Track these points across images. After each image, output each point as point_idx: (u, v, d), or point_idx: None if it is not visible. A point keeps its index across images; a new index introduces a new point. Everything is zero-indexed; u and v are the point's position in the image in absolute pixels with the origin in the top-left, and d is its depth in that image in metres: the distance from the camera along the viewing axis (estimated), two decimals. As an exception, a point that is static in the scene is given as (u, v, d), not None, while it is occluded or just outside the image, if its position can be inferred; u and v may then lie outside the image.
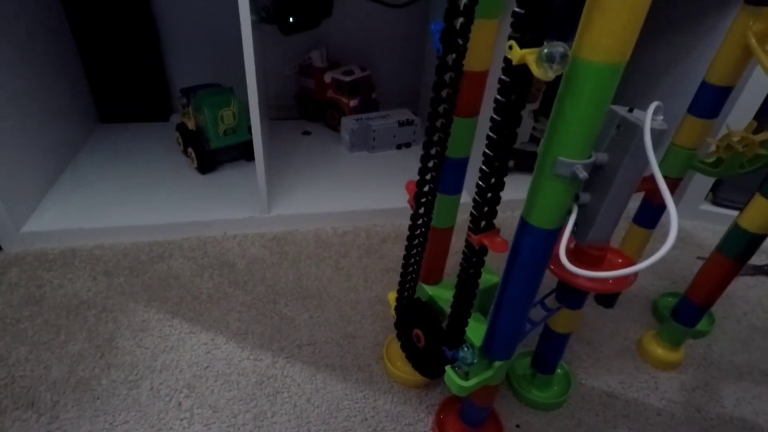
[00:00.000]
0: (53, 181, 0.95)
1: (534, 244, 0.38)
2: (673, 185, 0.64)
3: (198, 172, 1.03)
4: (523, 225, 0.38)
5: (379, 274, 0.83)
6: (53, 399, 0.58)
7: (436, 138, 0.42)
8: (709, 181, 0.99)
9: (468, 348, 0.46)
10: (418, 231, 0.49)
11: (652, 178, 0.36)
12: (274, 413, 0.59)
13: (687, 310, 0.66)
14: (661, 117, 0.32)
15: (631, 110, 0.34)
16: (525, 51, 0.29)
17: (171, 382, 0.62)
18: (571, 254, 0.49)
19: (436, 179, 0.45)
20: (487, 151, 0.34)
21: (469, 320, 0.47)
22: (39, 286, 0.74)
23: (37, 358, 0.63)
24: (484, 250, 0.41)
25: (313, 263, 0.84)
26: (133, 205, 0.91)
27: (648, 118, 0.31)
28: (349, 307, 0.76)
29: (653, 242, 0.75)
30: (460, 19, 0.36)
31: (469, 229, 0.40)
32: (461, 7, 0.35)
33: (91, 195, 0.92)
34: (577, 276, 0.45)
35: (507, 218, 0.99)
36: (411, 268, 0.53)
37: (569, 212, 0.36)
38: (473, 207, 0.39)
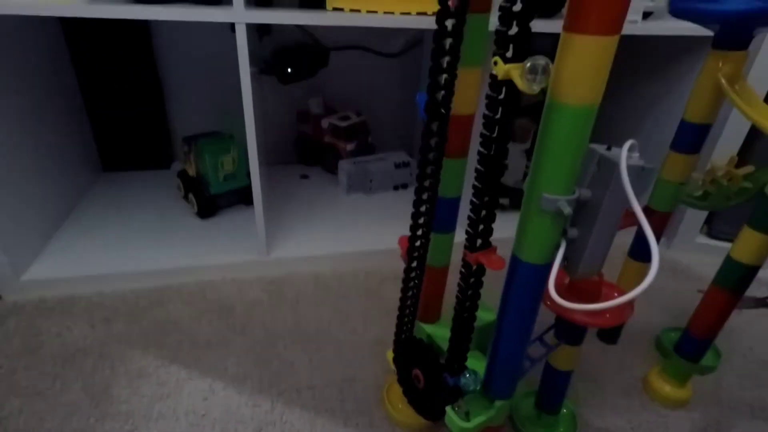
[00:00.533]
0: (55, 228, 0.96)
1: (526, 279, 0.39)
2: (664, 219, 0.65)
3: (198, 217, 1.04)
4: (515, 261, 0.39)
5: (379, 316, 0.82)
6: (45, 452, 0.57)
7: (427, 183, 0.44)
8: (703, 213, 1.00)
9: (470, 375, 0.45)
10: (414, 271, 0.50)
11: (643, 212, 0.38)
12: (272, 463, 0.57)
13: (690, 344, 0.65)
14: (636, 154, 0.33)
15: (609, 148, 0.35)
16: (509, 66, 0.30)
17: (167, 431, 0.60)
18: (566, 290, 0.50)
19: (430, 220, 0.46)
20: (479, 166, 0.35)
21: (469, 346, 0.46)
22: (36, 334, 0.74)
23: (31, 410, 0.62)
24: (481, 270, 0.40)
25: (311, 305, 0.84)
26: (133, 251, 0.92)
27: (623, 155, 0.32)
28: (349, 350, 0.75)
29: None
30: (442, 93, 0.38)
31: (465, 248, 0.40)
32: (444, 65, 0.38)
33: (92, 242, 0.93)
34: (571, 311, 0.45)
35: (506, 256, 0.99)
36: (408, 308, 0.53)
37: (558, 247, 0.37)
38: (468, 224, 0.38)
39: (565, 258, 0.38)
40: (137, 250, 0.92)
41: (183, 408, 0.63)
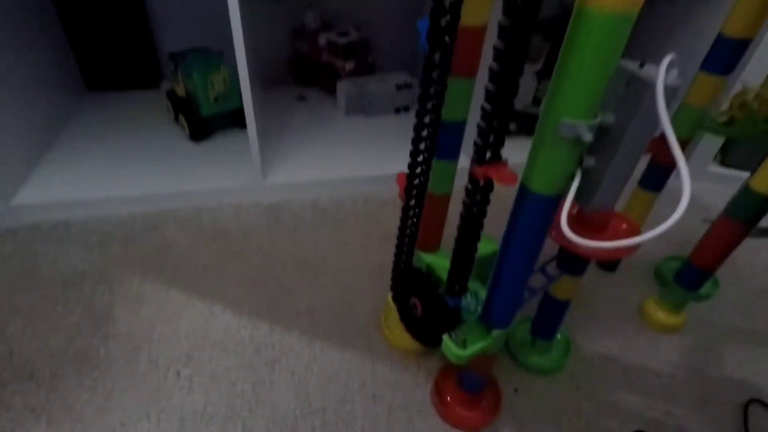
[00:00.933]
0: (43, 151, 0.93)
1: (534, 212, 0.36)
2: (682, 146, 0.61)
3: (190, 140, 1.00)
4: (523, 191, 0.36)
5: (378, 241, 0.82)
6: (52, 370, 0.59)
7: (429, 106, 0.39)
8: (719, 141, 0.96)
9: (471, 296, 0.45)
10: (414, 199, 0.47)
11: (660, 139, 0.34)
12: (273, 381, 0.59)
13: (691, 275, 0.64)
14: (675, 71, 0.29)
15: (642, 65, 0.31)
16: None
17: (169, 351, 0.62)
18: (573, 220, 0.48)
19: (432, 146, 0.43)
20: (493, 65, 0.31)
21: (471, 269, 0.44)
22: (33, 259, 0.74)
23: (35, 331, 0.63)
24: (489, 186, 0.37)
25: (309, 231, 0.83)
26: (125, 175, 0.89)
27: (661, 73, 0.28)
28: (347, 275, 0.75)
29: (659, 206, 0.73)
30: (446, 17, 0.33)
31: (473, 161, 0.36)
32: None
33: (81, 165, 0.90)
34: (578, 244, 0.43)
35: (508, 183, 0.97)
36: (407, 237, 0.51)
37: (572, 177, 0.34)
38: (477, 134, 0.34)
39: (578, 189, 0.35)
40: (129, 173, 0.89)
41: (183, 330, 0.65)
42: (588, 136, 0.30)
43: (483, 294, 0.46)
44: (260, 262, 0.76)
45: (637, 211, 0.71)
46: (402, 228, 0.50)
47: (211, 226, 0.82)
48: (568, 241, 0.45)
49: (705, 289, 0.72)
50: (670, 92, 0.29)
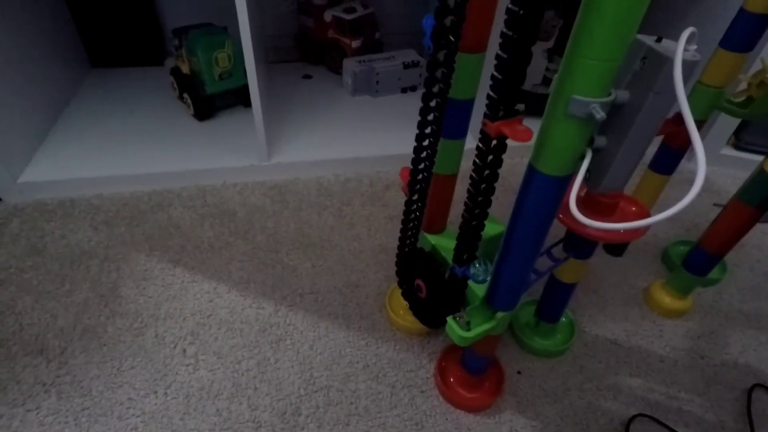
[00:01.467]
0: (48, 129, 0.92)
1: (542, 192, 0.35)
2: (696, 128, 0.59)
3: (195, 119, 0.99)
4: (531, 171, 0.35)
5: (383, 222, 0.81)
6: (61, 346, 0.60)
7: (436, 89, 0.38)
8: (733, 123, 0.93)
9: (480, 264, 0.42)
10: (420, 177, 0.47)
11: (672, 121, 0.33)
12: (277, 359, 0.60)
13: (699, 259, 0.63)
14: (694, 46, 0.28)
15: (659, 40, 0.30)
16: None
17: (175, 329, 0.62)
18: (581, 202, 0.47)
19: (438, 128, 0.42)
20: (508, 21, 0.29)
21: (481, 235, 0.42)
22: (41, 236, 0.74)
23: (43, 307, 0.64)
24: (502, 144, 0.35)
25: (314, 212, 0.83)
26: (130, 153, 0.88)
27: (680, 48, 0.27)
28: (352, 256, 0.75)
29: (669, 188, 0.72)
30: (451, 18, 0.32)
31: (485, 116, 0.34)
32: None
33: (87, 143, 0.90)
34: (587, 226, 0.43)
35: (515, 164, 0.95)
36: (413, 216, 0.51)
37: (582, 157, 0.33)
38: (490, 88, 0.33)
39: (587, 170, 0.35)
40: (134, 152, 0.89)
41: (189, 308, 0.65)
42: (600, 114, 0.29)
43: (491, 265, 0.46)
44: (265, 242, 0.76)
45: (646, 194, 0.69)
46: (407, 210, 0.49)
47: (216, 206, 0.82)
48: (577, 222, 0.44)
49: (713, 273, 0.71)
50: (689, 68, 0.28)
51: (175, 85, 1.01)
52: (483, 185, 0.38)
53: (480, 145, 0.35)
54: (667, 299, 0.68)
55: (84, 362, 0.58)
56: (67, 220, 0.77)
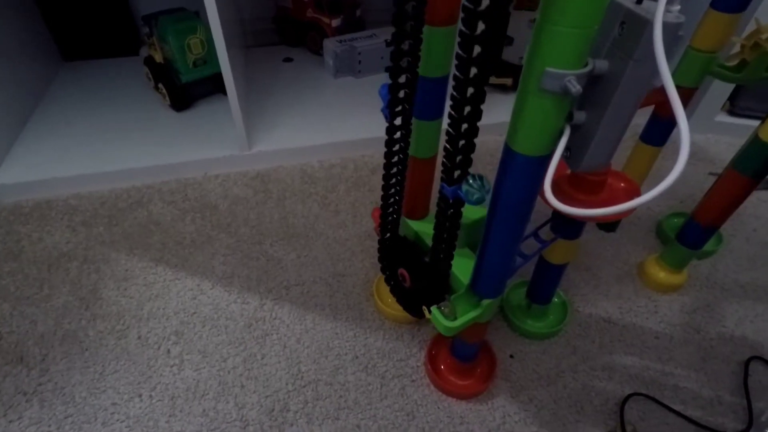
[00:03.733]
0: (20, 129, 0.89)
1: (520, 174, 0.33)
2: (687, 96, 0.57)
3: (172, 109, 0.96)
4: (508, 152, 0.33)
5: (369, 208, 0.79)
6: (42, 353, 0.58)
7: (404, 63, 0.35)
8: (727, 89, 0.90)
9: (474, 180, 0.35)
10: (395, 159, 0.44)
11: (662, 89, 0.30)
12: (264, 355, 0.58)
13: (693, 232, 0.62)
14: (677, 7, 0.25)
15: (639, 1, 0.27)
16: None
17: (158, 330, 0.61)
18: (567, 180, 0.45)
19: (410, 107, 0.39)
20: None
21: (473, 150, 0.35)
22: (17, 240, 0.72)
23: (22, 313, 0.62)
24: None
25: (298, 200, 0.80)
26: (107, 149, 0.85)
27: (660, 9, 0.24)
28: (338, 245, 0.73)
29: (662, 159, 0.70)
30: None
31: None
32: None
33: (62, 141, 0.87)
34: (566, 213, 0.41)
35: (497, 141, 0.93)
36: (391, 202, 0.49)
37: (560, 135, 0.31)
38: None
39: (567, 148, 0.32)
40: (111, 148, 0.86)
41: (172, 307, 0.63)
42: (576, 88, 0.26)
43: (470, 269, 0.44)
44: (248, 234, 0.74)
45: (638, 167, 0.67)
46: (385, 196, 0.47)
47: (197, 199, 0.80)
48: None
49: (708, 245, 0.69)
50: (671, 31, 0.25)
51: (150, 75, 0.98)
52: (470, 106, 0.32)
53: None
54: (661, 274, 0.66)
55: (66, 368, 0.57)
56: (43, 222, 0.75)
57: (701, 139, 0.95)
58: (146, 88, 1.01)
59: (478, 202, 0.35)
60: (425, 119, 0.43)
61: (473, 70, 0.29)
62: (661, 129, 0.62)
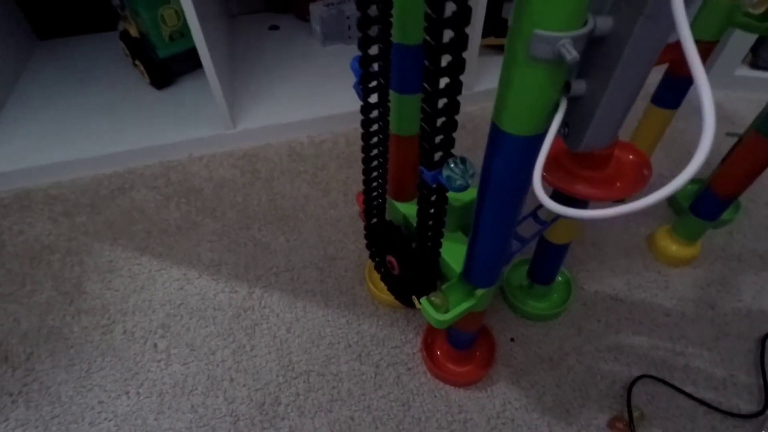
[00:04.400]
0: (-6, 114, 0.85)
1: (509, 156, 0.29)
2: (706, 51, 0.50)
3: (153, 87, 0.91)
4: (495, 132, 0.28)
5: (361, 186, 0.75)
6: (26, 351, 0.56)
7: (374, 32, 0.30)
8: (749, 39, 0.82)
9: (456, 164, 0.31)
10: (375, 140, 0.40)
11: (677, 45, 0.25)
12: (254, 346, 0.56)
13: (709, 203, 0.57)
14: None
15: (650, -60, 0.22)
16: None
17: (144, 323, 0.59)
18: (568, 154, 0.40)
19: (386, 79, 0.34)
20: None
21: (456, 121, 0.30)
22: (-3, 233, 0.69)
23: (5, 311, 0.60)
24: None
25: (287, 180, 0.76)
26: (86, 134, 0.81)
27: (676, -52, 0.19)
28: (329, 226, 0.69)
29: (677, 120, 0.64)
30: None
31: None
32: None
33: (39, 127, 0.83)
34: (571, 188, 0.36)
35: (487, 109, 0.87)
36: (375, 185, 0.45)
37: (555, 109, 0.26)
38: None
39: (564, 124, 0.28)
40: (90, 132, 0.82)
41: (158, 299, 0.61)
42: (572, 54, 0.21)
43: (462, 254, 0.40)
44: (235, 219, 0.70)
45: (650, 132, 0.61)
46: (366, 179, 0.43)
47: (181, 183, 0.76)
48: (562, 179, 0.38)
49: (725, 213, 0.64)
50: (690, -21, 0.20)
51: (127, 51, 0.92)
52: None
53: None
54: (673, 246, 0.62)
55: (51, 367, 0.55)
56: (24, 213, 0.72)
57: (719, 96, 0.88)
58: (126, 65, 0.96)
59: (461, 189, 0.31)
60: (405, 93, 0.38)
61: (448, 34, 0.24)
62: (676, 90, 0.56)
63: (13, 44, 0.96)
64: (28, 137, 0.81)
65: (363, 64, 0.33)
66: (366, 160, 0.41)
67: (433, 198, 0.34)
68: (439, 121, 0.29)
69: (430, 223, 0.37)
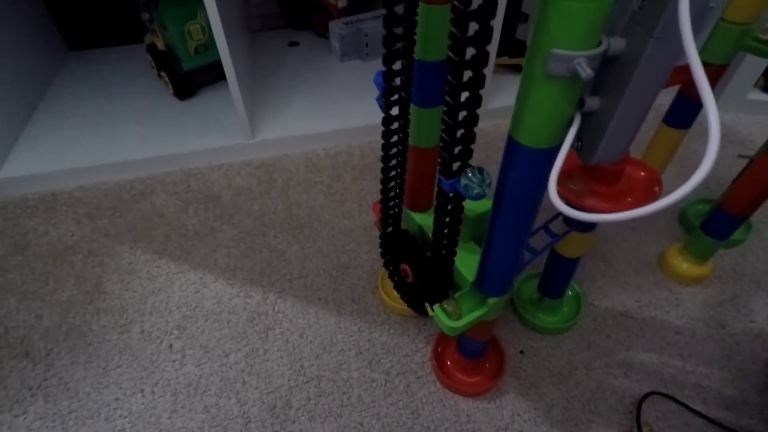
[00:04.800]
0: (26, 121, 0.89)
1: (525, 168, 0.30)
2: (717, 73, 0.52)
3: (176, 98, 0.94)
4: (511, 144, 0.30)
5: (375, 197, 0.76)
6: (47, 347, 0.58)
7: (399, 48, 0.32)
8: (761, 64, 0.84)
9: (474, 174, 0.31)
10: (394, 151, 0.42)
11: (687, 68, 0.27)
12: (266, 350, 0.57)
13: (720, 222, 0.57)
14: (706, -27, 0.22)
15: (661, -32, 0.23)
16: None
17: (161, 324, 0.60)
18: (580, 169, 0.41)
19: (407, 93, 0.36)
20: None
21: (475, 133, 0.31)
22: (23, 234, 0.72)
23: (28, 308, 0.62)
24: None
25: (303, 190, 0.78)
26: (112, 140, 0.85)
27: (686, -24, 0.20)
28: (343, 236, 0.71)
29: (688, 140, 0.65)
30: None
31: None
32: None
33: (67, 133, 0.86)
34: (582, 202, 0.38)
35: (500, 125, 0.89)
36: (392, 195, 0.46)
37: (569, 124, 0.28)
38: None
39: (578, 138, 0.29)
40: (115, 139, 0.85)
41: (175, 301, 0.63)
42: (587, 72, 0.23)
43: (475, 264, 0.41)
44: (252, 226, 0.72)
45: (661, 152, 0.63)
46: (384, 189, 0.45)
47: (200, 190, 0.78)
48: (575, 193, 0.39)
49: (736, 233, 0.64)
50: (700, 1, 0.22)
51: (153, 63, 0.96)
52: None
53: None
54: (684, 265, 0.62)
55: (70, 363, 0.57)
56: (49, 215, 0.75)
57: (731, 119, 0.89)
58: (151, 76, 1.00)
59: (479, 197, 0.32)
60: (425, 107, 0.40)
61: (470, 51, 0.26)
62: (687, 111, 0.57)
63: (46, 54, 1.00)
64: (55, 142, 0.84)
65: (386, 78, 0.35)
66: (384, 170, 0.43)
67: (450, 207, 0.36)
68: (459, 133, 0.31)
69: (446, 231, 0.39)
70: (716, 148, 0.20)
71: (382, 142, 0.40)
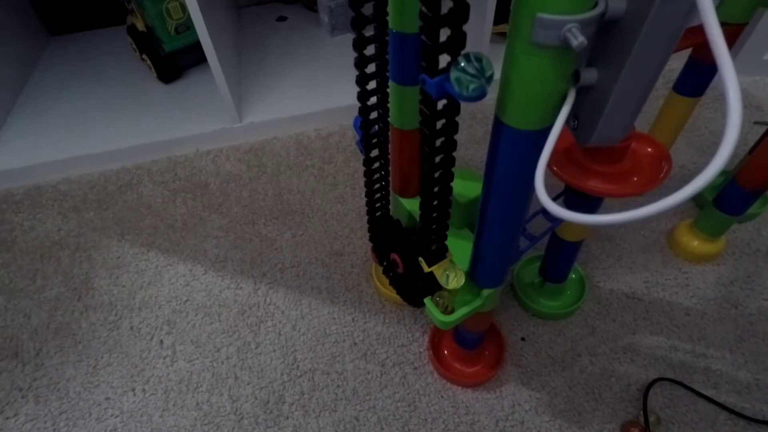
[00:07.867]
0: (7, 113, 0.86)
1: (513, 152, 0.27)
2: (734, 34, 0.47)
3: (160, 81, 0.90)
4: (497, 126, 0.26)
5: (369, 181, 0.73)
6: (36, 347, 0.57)
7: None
8: (781, 19, 0.78)
9: (469, 62, 0.22)
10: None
11: (699, 29, 0.23)
12: (258, 344, 0.56)
13: (734, 197, 0.53)
14: None
15: None
16: None
17: (151, 319, 0.59)
18: (579, 149, 0.38)
19: (383, 59, 0.33)
20: None
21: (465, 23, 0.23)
22: (9, 230, 0.70)
23: (16, 307, 0.61)
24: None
25: (294, 174, 0.75)
26: (96, 129, 0.82)
27: None
28: (335, 221, 0.68)
29: (700, 108, 0.61)
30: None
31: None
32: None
33: (50, 123, 0.84)
34: (582, 185, 0.34)
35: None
36: (377, 177, 0.43)
37: (563, 101, 0.24)
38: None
39: (574, 116, 0.26)
40: (99, 127, 0.82)
41: (165, 295, 0.61)
42: (579, 40, 0.19)
43: (469, 251, 0.38)
44: (241, 214, 0.70)
45: (671, 122, 0.58)
46: (368, 171, 0.42)
47: (187, 179, 0.76)
48: (575, 174, 0.36)
49: (751, 207, 0.61)
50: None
51: (134, 46, 0.92)
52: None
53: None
54: (695, 242, 0.59)
55: (60, 362, 0.55)
56: (35, 209, 0.73)
57: (747, 82, 0.83)
58: (134, 60, 0.96)
59: (478, 95, 0.22)
60: (406, 84, 0.36)
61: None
62: (700, 77, 0.52)
63: (25, 40, 0.96)
64: (39, 134, 0.82)
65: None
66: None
67: (441, 124, 0.26)
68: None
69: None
70: (737, 131, 0.17)
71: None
